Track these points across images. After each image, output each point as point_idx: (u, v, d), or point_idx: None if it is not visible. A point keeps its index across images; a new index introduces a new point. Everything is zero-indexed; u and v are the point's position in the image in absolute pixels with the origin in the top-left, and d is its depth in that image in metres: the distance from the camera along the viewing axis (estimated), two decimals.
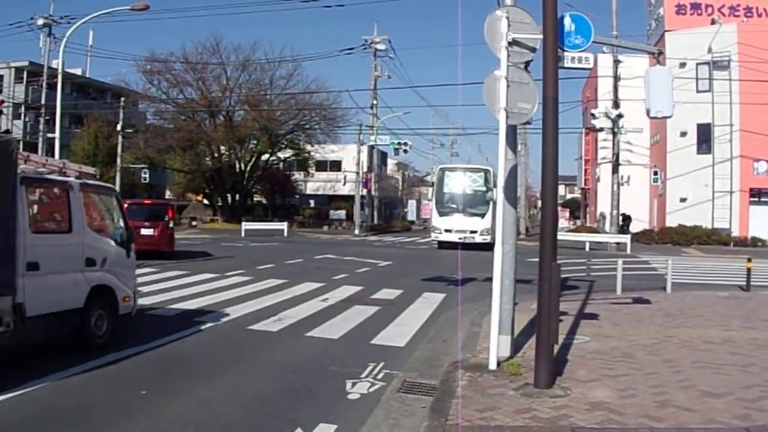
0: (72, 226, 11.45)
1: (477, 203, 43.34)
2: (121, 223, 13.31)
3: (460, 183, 44.83)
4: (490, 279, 11.20)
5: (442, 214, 44.15)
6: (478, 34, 10.93)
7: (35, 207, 11.15)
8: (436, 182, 47.38)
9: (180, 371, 10.77)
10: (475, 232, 42.09)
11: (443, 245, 42.86)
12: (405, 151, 65.64)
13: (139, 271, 22.50)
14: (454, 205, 44.01)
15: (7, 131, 11.25)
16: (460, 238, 41.39)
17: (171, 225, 32.57)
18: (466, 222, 42.66)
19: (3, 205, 9.24)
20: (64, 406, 8.74)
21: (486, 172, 44.59)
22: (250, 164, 71.06)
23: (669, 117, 11.86)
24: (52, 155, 35.27)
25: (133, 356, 11.53)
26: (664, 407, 8.42)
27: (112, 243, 12.71)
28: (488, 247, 34.53)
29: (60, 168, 12.22)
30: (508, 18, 10.50)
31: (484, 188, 43.31)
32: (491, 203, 40.27)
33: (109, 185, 15.19)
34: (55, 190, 11.62)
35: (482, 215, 42.11)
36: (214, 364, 11.23)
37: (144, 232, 29.12)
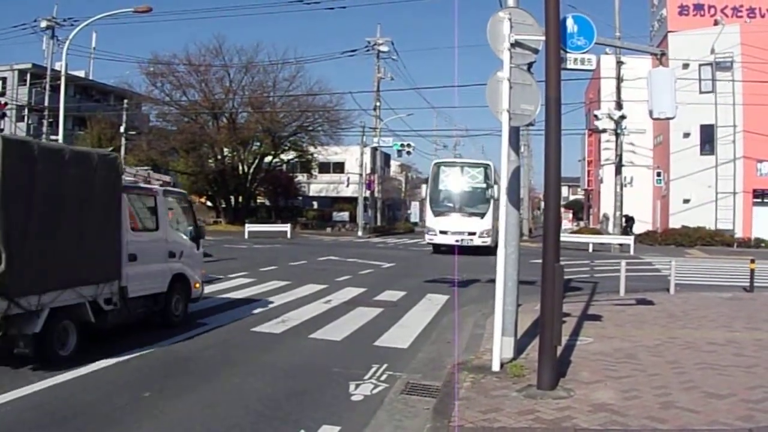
0: (158, 226, 14.17)
1: (476, 202, 39.87)
2: (192, 222, 16.06)
3: (456, 180, 40.92)
4: (493, 280, 11.19)
5: (437, 214, 40.34)
6: (481, 35, 10.95)
7: (132, 210, 13.37)
8: (430, 179, 42.45)
9: (183, 373, 10.77)
10: (473, 234, 38.58)
11: (438, 249, 40.24)
12: (408, 152, 65.75)
13: None
14: (450, 204, 40.29)
15: (114, 150, 13.67)
16: (457, 241, 37.54)
17: None
18: (464, 223, 39.08)
19: (112, 209, 11.87)
20: (61, 409, 8.74)
21: (486, 167, 41.03)
22: (253, 166, 71.08)
23: (672, 118, 11.83)
24: None
25: (136, 358, 11.55)
26: (668, 409, 8.41)
27: (186, 239, 15.46)
28: (489, 250, 34.60)
29: (145, 177, 14.91)
30: (510, 20, 10.49)
31: (484, 185, 39.87)
32: (492, 202, 37.82)
33: (182, 191, 17.62)
34: (146, 195, 14.11)
35: (482, 215, 39.00)
36: (217, 366, 11.24)
37: None
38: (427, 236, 41.61)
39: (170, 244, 14.48)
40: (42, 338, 10.27)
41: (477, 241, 38.44)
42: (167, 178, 16.52)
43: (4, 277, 9.30)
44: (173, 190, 15.88)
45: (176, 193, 16.02)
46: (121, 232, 12.18)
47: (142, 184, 14.25)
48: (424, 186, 46.24)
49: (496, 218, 32.86)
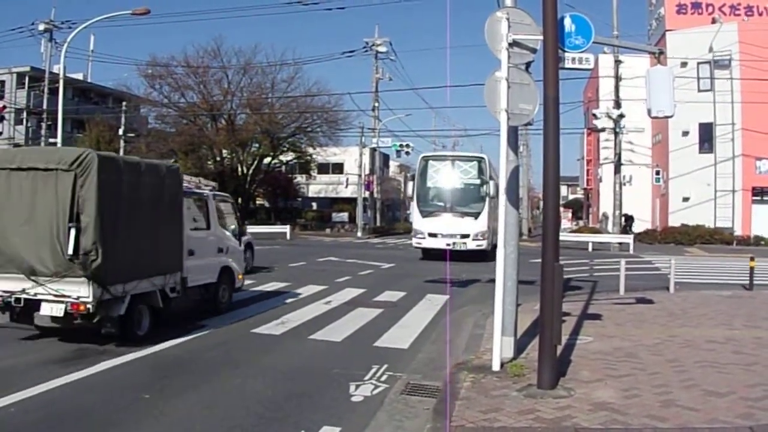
0: (209, 225, 16.48)
1: (469, 200, 35.36)
2: (236, 221, 18.76)
3: (447, 175, 36.28)
4: (493, 280, 11.20)
5: (425, 214, 35.51)
6: (479, 35, 10.94)
7: (189, 212, 15.46)
8: (417, 175, 37.04)
9: (183, 374, 10.78)
10: (467, 236, 34.15)
11: (428, 254, 35.65)
12: (407, 153, 65.57)
13: None
14: (440, 203, 35.69)
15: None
16: (448, 245, 33.57)
17: None
18: (456, 224, 34.54)
19: (176, 211, 13.99)
20: (63, 411, 8.76)
21: (479, 161, 36.41)
22: (253, 167, 71.00)
23: (670, 116, 11.84)
24: None
25: (135, 360, 11.56)
26: (668, 407, 8.42)
27: (230, 236, 17.72)
28: (485, 255, 33.05)
29: (197, 183, 17.09)
30: (508, 19, 10.50)
31: (478, 181, 35.41)
32: (487, 200, 33.93)
33: (227, 194, 20.50)
34: (199, 199, 16.35)
35: (476, 215, 34.51)
36: (217, 367, 11.24)
37: None
38: (414, 240, 36.18)
39: (219, 240, 16.85)
40: (125, 320, 12.53)
41: (471, 245, 34.10)
42: (214, 184, 18.77)
43: (99, 269, 11.45)
44: (220, 193, 18.55)
45: (222, 196, 18.64)
46: (183, 230, 14.37)
47: (195, 189, 16.44)
48: (411, 183, 38.47)
49: (492, 218, 30.85)
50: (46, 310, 11.88)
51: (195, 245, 15.21)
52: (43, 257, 11.57)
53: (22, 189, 11.84)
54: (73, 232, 11.31)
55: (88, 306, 11.60)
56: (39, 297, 11.78)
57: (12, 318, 12.76)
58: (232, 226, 18.35)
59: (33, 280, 11.71)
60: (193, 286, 15.22)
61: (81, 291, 11.58)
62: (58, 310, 11.73)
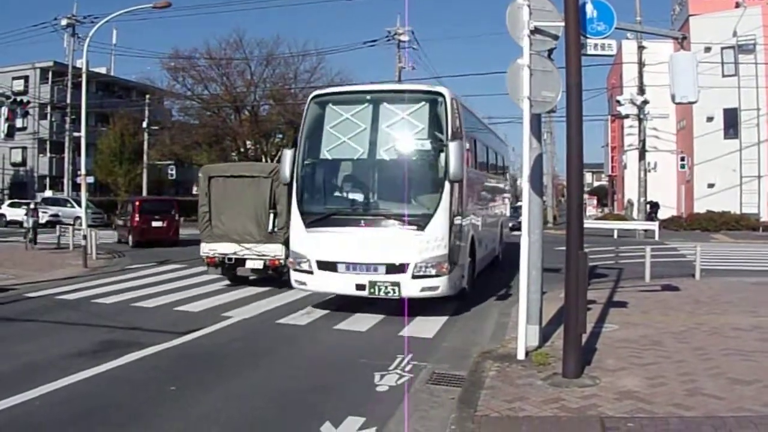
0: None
1: (409, 191, 15.41)
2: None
3: (362, 138, 15.86)
4: (517, 269, 11.16)
5: (313, 221, 15.67)
6: (501, 21, 10.85)
7: None
8: (303, 136, 16.48)
9: (209, 366, 10.83)
10: (400, 269, 14.82)
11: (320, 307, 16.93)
12: None
13: (163, 268, 22.88)
14: (345, 199, 16.21)
15: None
16: (361, 287, 14.98)
17: (177, 218, 37.67)
18: (378, 244, 15.04)
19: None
20: (89, 404, 8.82)
21: (434, 102, 15.71)
22: (276, 158, 71.06)
23: (694, 102, 11.77)
24: (79, 154, 35.57)
25: (162, 351, 11.63)
26: (694, 395, 8.37)
27: None
28: (448, 305, 16.20)
29: None
30: (529, 6, 10.43)
31: (429, 148, 15.49)
32: (447, 189, 15.00)
33: None
34: None
35: (421, 222, 14.93)
36: (242, 359, 11.28)
37: (154, 224, 35.69)
38: (293, 275, 16.14)
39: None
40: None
41: (410, 288, 14.81)
42: None
43: (287, 238, 16.94)
44: None
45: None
46: None
47: None
48: (286, 156, 16.11)
49: (460, 226, 16.13)
50: (249, 264, 19.34)
51: None
52: (251, 231, 19.04)
53: (235, 189, 19.56)
54: (272, 216, 18.98)
55: (280, 261, 18.54)
56: (245, 256, 19.15)
57: (222, 272, 20.02)
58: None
59: (242, 246, 19.04)
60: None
61: (276, 252, 18.73)
62: (259, 264, 19.10)
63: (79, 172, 39.29)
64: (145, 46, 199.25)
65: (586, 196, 48.43)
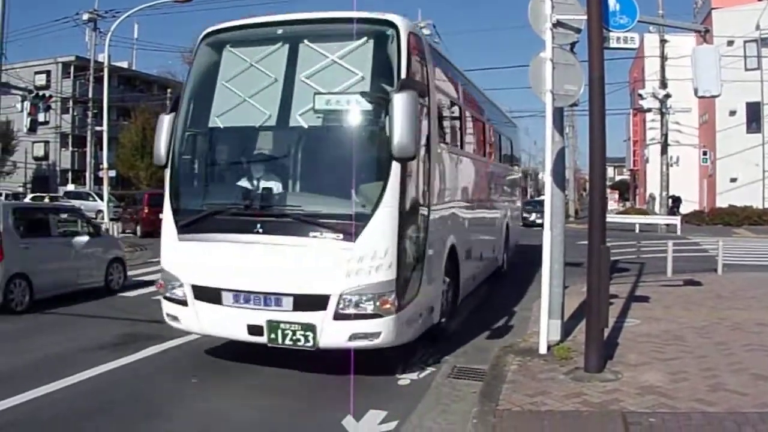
0: None
1: (340, 176, 9.43)
2: None
3: (270, 95, 10.15)
4: (539, 263, 11.13)
5: (187, 226, 10.19)
6: (523, 14, 10.83)
7: None
8: (186, 93, 11.35)
9: (230, 359, 10.84)
10: (319, 302, 9.23)
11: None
12: None
13: None
14: (236, 188, 10.30)
15: None
16: (254, 330, 9.48)
17: None
18: (284, 262, 9.40)
19: None
20: (110, 397, 8.93)
21: (379, 39, 10.02)
22: None
23: (717, 96, 11.71)
24: (101, 148, 35.82)
25: (183, 344, 11.68)
26: (716, 391, 8.34)
27: None
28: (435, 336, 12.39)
29: None
30: None
31: (369, 110, 9.57)
32: (397, 172, 9.30)
33: None
34: None
35: (355, 225, 9.20)
36: (262, 352, 11.28)
37: (161, 215, 33.93)
38: (163, 308, 10.64)
39: None
40: None
41: (332, 334, 9.31)
42: None
43: None
44: None
45: None
46: None
47: None
48: (164, 122, 10.94)
49: (426, 227, 10.58)
50: None
51: None
52: None
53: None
54: None
55: None
56: None
57: None
58: None
59: None
60: None
61: None
62: None
63: (101, 166, 39.63)
64: (166, 41, 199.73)
65: (608, 190, 48.31)
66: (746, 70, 50.44)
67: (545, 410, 7.82)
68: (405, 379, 9.75)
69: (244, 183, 10.20)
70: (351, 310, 9.18)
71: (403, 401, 8.70)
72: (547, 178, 11.10)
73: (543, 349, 10.38)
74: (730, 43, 47.65)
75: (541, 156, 15.87)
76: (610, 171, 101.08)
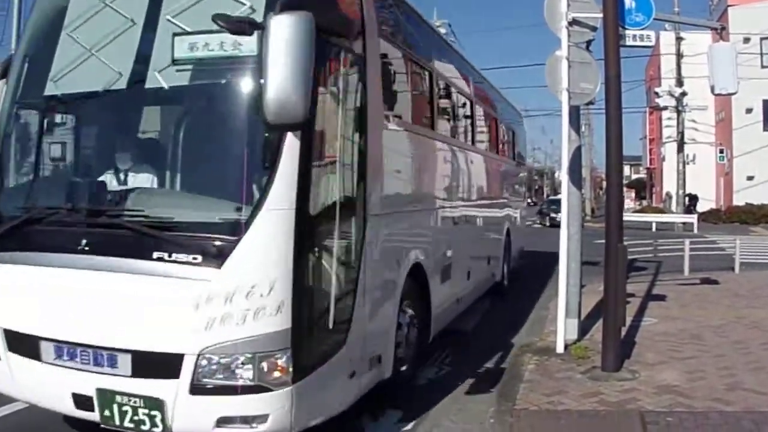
0: None
1: (207, 162, 6.28)
2: None
3: (124, 46, 6.31)
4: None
5: (1, 243, 6.42)
6: (539, 12, 10.82)
7: None
8: (21, 51, 7.30)
9: None
10: (169, 365, 5.62)
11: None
12: None
13: None
14: (61, 183, 7.15)
15: None
16: (86, 404, 5.93)
17: None
18: (119, 300, 5.78)
19: None
20: None
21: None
22: None
23: (734, 93, 11.67)
24: None
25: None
26: (734, 390, 8.30)
27: None
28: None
29: None
30: None
31: (257, 62, 5.60)
32: (291, 151, 5.65)
33: None
34: None
35: (223, 241, 5.60)
36: None
37: None
38: None
39: None
40: None
41: (188, 416, 5.65)
42: None
43: None
44: None
45: None
46: None
47: None
48: None
49: (361, 239, 6.91)
50: None
51: None
52: None
53: None
54: None
55: None
56: None
57: None
58: None
59: None
60: None
61: None
62: None
63: None
64: None
65: (624, 188, 48.13)
66: (762, 67, 50.17)
67: (562, 409, 7.81)
68: (422, 378, 9.72)
69: (74, 176, 7.19)
70: (217, 380, 5.63)
71: (419, 401, 8.68)
72: (563, 176, 11.08)
73: (560, 349, 10.36)
74: (747, 40, 47.36)
75: (558, 154, 15.79)
76: (626, 169, 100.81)
